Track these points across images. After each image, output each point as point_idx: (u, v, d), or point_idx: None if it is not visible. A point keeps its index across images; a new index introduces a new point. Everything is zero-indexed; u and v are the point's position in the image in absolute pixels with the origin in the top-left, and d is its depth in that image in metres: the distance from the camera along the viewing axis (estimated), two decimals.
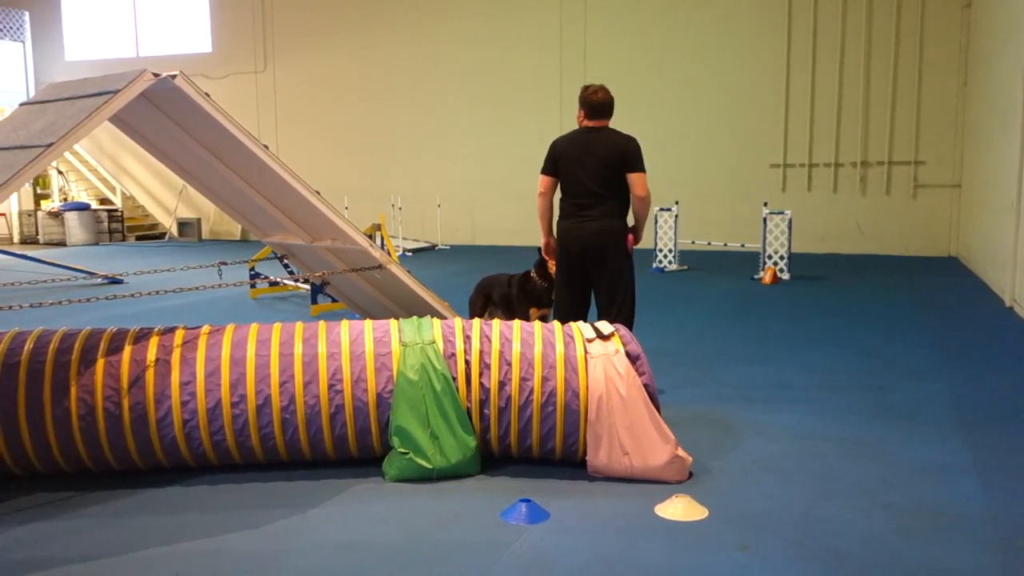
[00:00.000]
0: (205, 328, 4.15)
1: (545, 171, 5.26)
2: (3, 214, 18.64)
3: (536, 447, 4.06)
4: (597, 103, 5.19)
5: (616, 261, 5.19)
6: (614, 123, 5.29)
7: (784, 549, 3.27)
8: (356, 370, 3.98)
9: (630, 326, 5.17)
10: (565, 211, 5.25)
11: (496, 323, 4.21)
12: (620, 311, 5.15)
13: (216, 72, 18.07)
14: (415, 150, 16.91)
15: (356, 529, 3.50)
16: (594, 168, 5.10)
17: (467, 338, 4.09)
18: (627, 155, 5.12)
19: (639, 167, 5.14)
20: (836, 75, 14.11)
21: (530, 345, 4.05)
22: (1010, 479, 4.00)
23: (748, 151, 14.67)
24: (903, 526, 3.47)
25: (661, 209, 12.07)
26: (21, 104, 4.74)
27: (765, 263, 11.23)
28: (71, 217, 17.82)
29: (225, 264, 5.44)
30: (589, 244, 5.15)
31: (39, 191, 19.24)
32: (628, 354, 4.02)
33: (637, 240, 5.44)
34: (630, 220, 5.32)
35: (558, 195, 5.32)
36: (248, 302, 9.49)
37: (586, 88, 5.27)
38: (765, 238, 11.23)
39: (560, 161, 5.19)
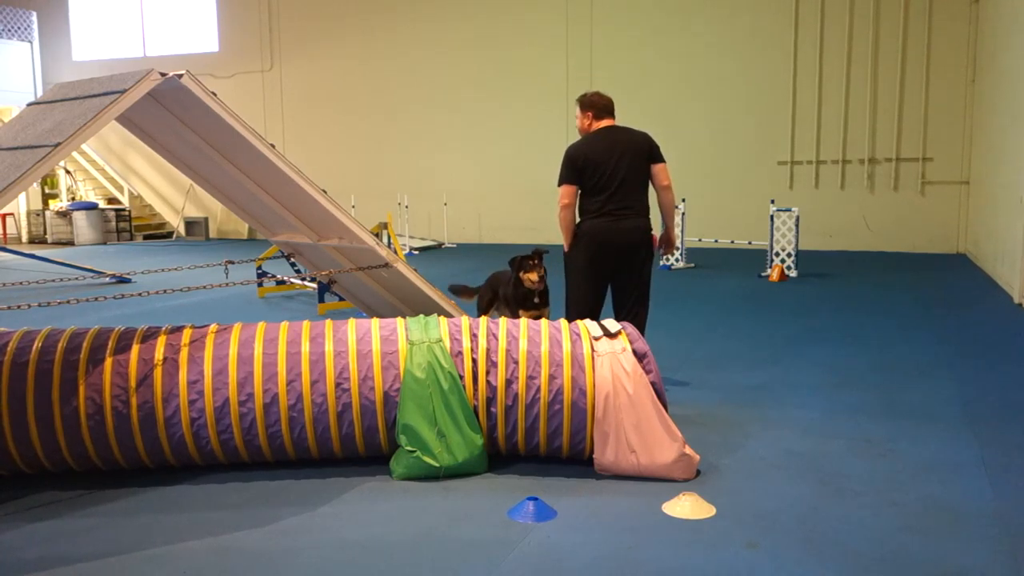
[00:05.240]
0: (213, 327, 4.16)
1: (567, 180, 5.14)
2: (11, 213, 18.72)
3: (543, 445, 4.05)
4: (604, 103, 5.24)
5: (645, 261, 5.22)
6: (619, 123, 5.32)
7: (792, 547, 3.26)
8: (363, 368, 3.98)
9: (644, 325, 5.18)
10: (594, 210, 5.14)
11: (503, 321, 4.21)
12: (639, 312, 5.17)
13: (223, 71, 18.11)
14: (422, 149, 16.93)
15: (364, 527, 3.50)
16: (625, 163, 5.10)
17: (474, 336, 4.09)
18: (652, 146, 5.21)
19: (662, 157, 5.23)
20: (843, 71, 14.07)
21: (537, 343, 4.05)
22: (1019, 476, 3.98)
23: (755, 148, 14.64)
24: (912, 524, 3.46)
25: None
26: (29, 104, 4.75)
27: (772, 260, 11.21)
28: (79, 216, 17.89)
29: (232, 263, 5.44)
30: (624, 242, 5.12)
31: (47, 191, 19.32)
32: (635, 352, 4.01)
33: (672, 245, 5.46)
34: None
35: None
36: (255, 301, 9.51)
37: (584, 95, 5.33)
38: (772, 235, 11.21)
39: (587, 163, 5.11)
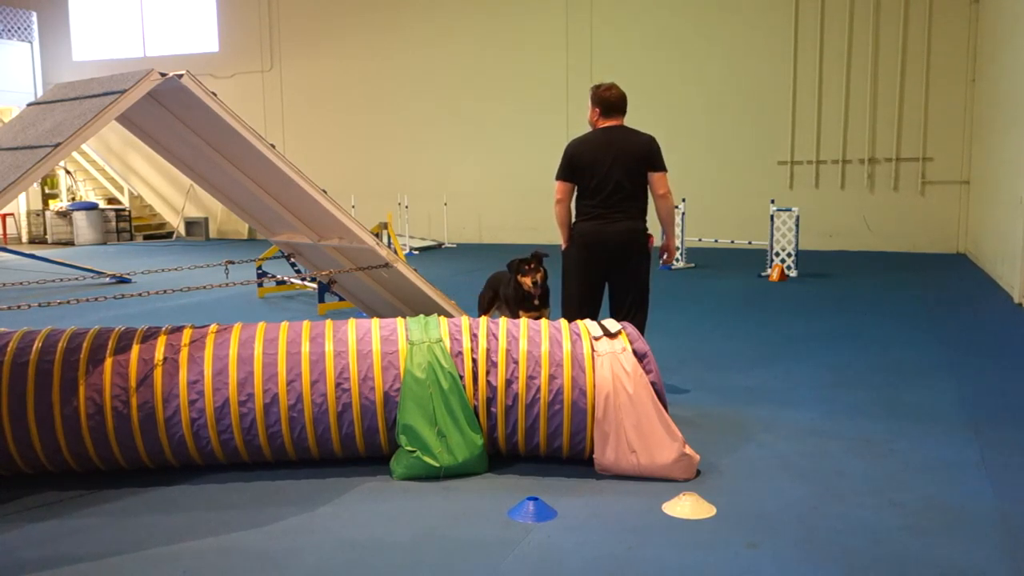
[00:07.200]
0: (213, 327, 4.16)
1: (562, 177, 5.15)
2: (11, 214, 18.72)
3: (543, 445, 4.05)
4: (613, 100, 5.14)
5: (640, 263, 5.17)
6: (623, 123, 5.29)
7: (792, 547, 3.26)
8: (363, 369, 3.98)
9: (643, 327, 5.16)
10: (587, 211, 5.13)
11: (503, 321, 4.21)
12: (637, 313, 5.15)
13: (223, 71, 18.12)
14: (421, 149, 16.93)
15: (364, 527, 3.50)
16: (620, 167, 5.04)
17: (474, 336, 4.09)
18: (651, 153, 5.11)
19: (662, 166, 5.13)
20: (843, 71, 14.07)
21: (537, 343, 4.05)
22: (1019, 477, 3.98)
23: (755, 148, 14.65)
24: (912, 524, 3.46)
25: None
26: (29, 104, 4.75)
27: (772, 260, 11.21)
28: (79, 217, 17.89)
29: (232, 263, 5.45)
30: (616, 245, 5.09)
31: (47, 191, 19.32)
32: (635, 352, 4.01)
33: (671, 254, 5.41)
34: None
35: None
36: (256, 301, 9.51)
37: (598, 86, 5.22)
38: (772, 235, 11.21)
39: (581, 163, 5.09)
